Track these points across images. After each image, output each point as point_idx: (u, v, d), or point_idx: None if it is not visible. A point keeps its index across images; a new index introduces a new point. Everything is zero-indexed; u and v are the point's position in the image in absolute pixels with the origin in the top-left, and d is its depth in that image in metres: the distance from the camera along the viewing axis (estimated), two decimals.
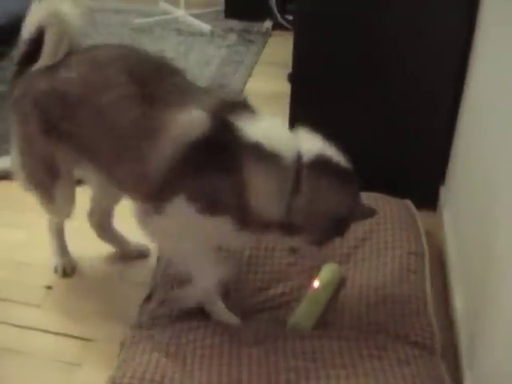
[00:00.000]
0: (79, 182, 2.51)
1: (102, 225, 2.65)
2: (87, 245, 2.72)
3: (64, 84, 2.17)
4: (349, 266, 2.45)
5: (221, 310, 2.24)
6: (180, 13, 5.14)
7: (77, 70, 2.17)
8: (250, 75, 4.37)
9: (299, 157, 1.99)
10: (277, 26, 5.06)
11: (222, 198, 1.99)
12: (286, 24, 4.99)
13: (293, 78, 2.96)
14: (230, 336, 2.09)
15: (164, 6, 5.29)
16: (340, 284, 2.35)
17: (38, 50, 2.22)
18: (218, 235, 2.09)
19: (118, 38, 4.78)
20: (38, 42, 2.22)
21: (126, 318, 2.37)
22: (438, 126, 2.84)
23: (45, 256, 2.68)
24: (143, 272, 2.61)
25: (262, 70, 4.48)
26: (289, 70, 2.94)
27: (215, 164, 1.97)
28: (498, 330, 1.78)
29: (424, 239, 2.56)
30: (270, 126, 2.05)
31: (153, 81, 2.09)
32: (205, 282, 2.17)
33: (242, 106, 2.07)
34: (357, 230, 2.46)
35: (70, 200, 2.44)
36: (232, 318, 2.22)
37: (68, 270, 2.63)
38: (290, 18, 4.92)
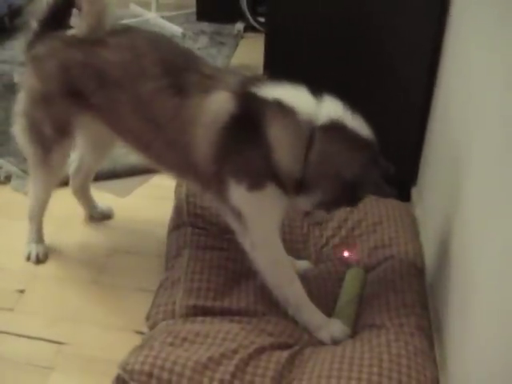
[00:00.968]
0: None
1: (83, 184, 2.86)
2: (60, 248, 2.72)
3: (104, 63, 2.28)
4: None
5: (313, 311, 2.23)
6: (151, 15, 5.14)
7: (117, 54, 2.28)
8: None
9: (316, 117, 2.07)
10: (248, 28, 5.07)
11: (260, 167, 2.09)
12: (257, 26, 5.00)
13: None
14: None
15: (135, 8, 5.28)
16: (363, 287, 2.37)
17: (64, 15, 2.46)
18: (274, 209, 2.17)
19: None
20: (66, 6, 2.45)
21: (99, 321, 2.37)
22: (409, 128, 2.86)
23: (17, 260, 2.67)
24: (116, 275, 2.60)
25: None
26: (260, 72, 2.94)
27: (246, 137, 2.08)
28: (468, 331, 1.79)
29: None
30: (290, 89, 2.14)
31: (182, 70, 2.20)
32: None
33: (262, 79, 2.21)
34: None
35: (65, 160, 2.61)
36: (324, 318, 2.21)
37: (42, 256, 2.70)
38: (262, 20, 4.94)
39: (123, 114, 2.30)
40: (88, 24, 2.33)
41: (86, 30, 2.34)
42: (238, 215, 2.16)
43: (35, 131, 2.48)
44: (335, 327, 2.16)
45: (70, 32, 2.38)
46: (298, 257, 2.48)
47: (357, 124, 2.13)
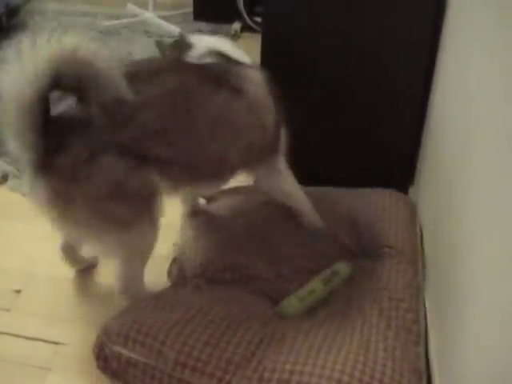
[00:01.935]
0: None
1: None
2: (56, 249, 2.72)
3: None
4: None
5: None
6: (148, 15, 5.14)
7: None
8: None
9: None
10: (245, 28, 5.07)
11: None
12: (254, 26, 5.00)
13: None
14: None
15: (132, 8, 5.28)
16: (344, 281, 2.38)
17: None
18: None
19: None
20: None
21: (96, 321, 2.37)
22: (407, 127, 2.86)
23: (13, 260, 2.67)
24: (113, 275, 2.60)
25: None
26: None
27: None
28: (466, 327, 1.79)
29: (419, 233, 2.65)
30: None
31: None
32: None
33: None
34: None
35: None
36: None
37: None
38: (259, 19, 4.94)
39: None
40: None
41: None
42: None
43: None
44: None
45: None
46: None
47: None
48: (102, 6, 5.46)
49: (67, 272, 2.63)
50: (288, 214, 2.60)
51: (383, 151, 2.93)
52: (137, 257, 2.28)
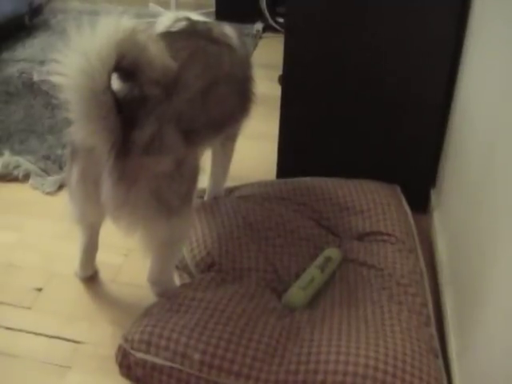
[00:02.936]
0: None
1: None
2: (78, 247, 2.73)
3: None
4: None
5: None
6: None
7: None
8: None
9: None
10: (267, 28, 5.07)
11: None
12: (276, 26, 5.00)
13: (283, 81, 2.96)
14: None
15: (154, 7, 5.29)
16: (338, 266, 2.44)
17: None
18: None
19: None
20: None
21: (117, 320, 2.37)
22: (429, 130, 2.85)
23: (35, 258, 2.68)
24: (134, 275, 2.60)
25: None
26: (279, 72, 2.94)
27: None
28: (487, 330, 1.78)
29: (412, 221, 2.71)
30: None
31: None
32: None
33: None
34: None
35: None
36: None
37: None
38: (281, 20, 4.93)
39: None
40: None
41: None
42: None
43: None
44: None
45: None
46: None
47: None
48: (125, 5, 5.47)
49: None
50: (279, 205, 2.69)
51: (405, 153, 2.92)
52: (177, 246, 2.29)
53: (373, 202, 2.71)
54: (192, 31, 2.43)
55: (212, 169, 2.81)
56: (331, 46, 2.76)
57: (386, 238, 2.55)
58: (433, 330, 2.17)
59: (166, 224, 2.13)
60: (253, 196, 2.75)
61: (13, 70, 4.27)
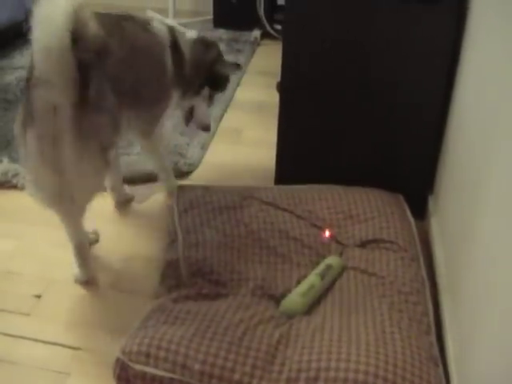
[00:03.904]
0: None
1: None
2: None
3: None
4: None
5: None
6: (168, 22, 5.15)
7: None
8: (238, 84, 4.36)
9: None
10: (265, 35, 5.08)
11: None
12: (274, 33, 5.01)
13: (281, 88, 2.97)
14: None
15: (152, 15, 5.29)
16: (338, 274, 2.44)
17: None
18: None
19: None
20: None
21: (116, 326, 2.38)
22: (426, 137, 2.85)
23: (34, 265, 2.69)
24: (133, 281, 2.61)
25: (251, 79, 4.49)
26: (277, 79, 2.95)
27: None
28: (485, 335, 1.79)
29: (415, 230, 2.70)
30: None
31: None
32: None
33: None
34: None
35: None
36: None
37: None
38: (279, 27, 4.95)
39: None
40: None
41: None
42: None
43: None
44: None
45: None
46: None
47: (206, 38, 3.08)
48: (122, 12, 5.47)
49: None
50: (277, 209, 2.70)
51: (402, 160, 2.93)
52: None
53: (377, 210, 2.71)
54: (128, 16, 2.77)
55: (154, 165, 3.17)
56: (329, 52, 2.77)
57: (388, 245, 2.55)
58: (433, 338, 2.17)
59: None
60: (257, 202, 2.75)
61: (11, 77, 4.28)
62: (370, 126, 2.88)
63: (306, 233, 2.60)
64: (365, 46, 2.73)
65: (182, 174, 3.32)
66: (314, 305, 2.30)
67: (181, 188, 2.82)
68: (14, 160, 3.31)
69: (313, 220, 2.67)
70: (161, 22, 2.90)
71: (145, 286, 2.57)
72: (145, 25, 2.81)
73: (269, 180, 3.04)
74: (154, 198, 3.16)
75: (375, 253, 2.52)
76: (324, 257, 2.49)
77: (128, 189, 3.15)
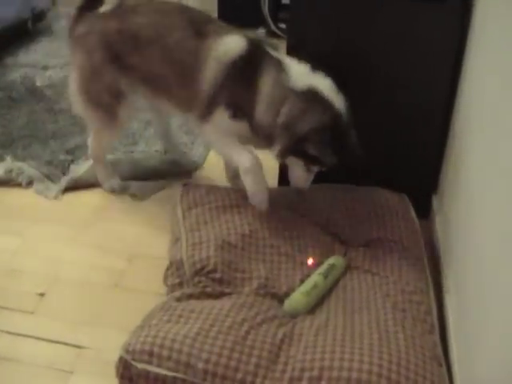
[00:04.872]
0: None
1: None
2: (81, 252, 2.74)
3: (136, 27, 2.73)
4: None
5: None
6: None
7: (148, 17, 2.74)
8: None
9: (299, 83, 2.51)
10: (270, 34, 5.07)
11: (244, 105, 2.59)
12: (278, 32, 5.00)
13: None
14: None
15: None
16: (342, 274, 2.44)
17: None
18: (244, 137, 2.66)
19: None
20: None
21: (119, 325, 2.38)
22: (430, 136, 2.85)
23: (38, 263, 2.69)
24: (137, 279, 2.61)
25: None
26: None
27: (244, 78, 2.58)
28: (489, 334, 1.78)
29: (419, 230, 2.70)
30: (290, 59, 2.61)
31: (205, 24, 2.72)
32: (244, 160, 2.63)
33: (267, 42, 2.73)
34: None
35: (129, 119, 3.08)
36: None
37: (118, 188, 3.16)
38: (283, 25, 4.94)
39: (152, 64, 2.73)
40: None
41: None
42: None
43: (96, 102, 2.88)
44: None
45: (102, 9, 2.82)
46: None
47: (333, 98, 2.52)
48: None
49: (91, 275, 2.64)
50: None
51: (407, 159, 2.92)
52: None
53: (381, 209, 2.71)
54: (184, 8, 2.84)
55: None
56: (333, 52, 2.76)
57: (392, 244, 2.55)
58: (437, 337, 2.17)
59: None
60: None
61: (16, 75, 4.28)
62: (374, 125, 2.87)
63: (309, 232, 2.59)
64: (369, 46, 2.73)
65: (186, 172, 3.32)
66: (317, 304, 2.30)
67: (184, 187, 2.79)
68: (18, 158, 3.32)
69: (316, 219, 2.67)
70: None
71: (148, 284, 2.57)
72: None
73: (273, 180, 3.04)
74: (158, 195, 3.16)
75: (379, 252, 2.52)
76: (327, 256, 2.48)
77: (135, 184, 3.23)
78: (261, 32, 5.04)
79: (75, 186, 3.16)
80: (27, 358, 2.27)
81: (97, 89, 2.85)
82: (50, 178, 3.20)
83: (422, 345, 2.06)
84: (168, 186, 3.19)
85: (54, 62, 4.47)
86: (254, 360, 1.96)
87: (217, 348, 1.97)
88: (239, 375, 1.92)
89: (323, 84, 2.51)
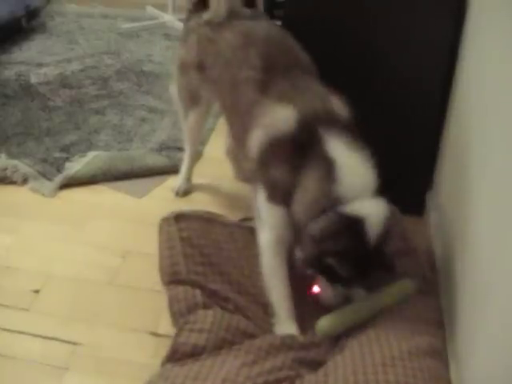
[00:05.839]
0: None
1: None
2: (76, 248, 2.74)
3: (222, 42, 2.60)
4: None
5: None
6: (168, 18, 5.15)
7: (234, 36, 2.57)
8: None
9: (347, 202, 2.10)
10: None
11: (283, 190, 2.20)
12: None
13: None
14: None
15: (151, 10, 5.30)
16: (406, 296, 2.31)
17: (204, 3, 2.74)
18: (280, 223, 2.27)
19: (106, 42, 4.79)
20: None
21: (113, 322, 2.38)
22: (425, 133, 2.85)
23: (32, 260, 2.69)
24: (132, 276, 2.61)
25: None
26: None
27: (287, 161, 2.18)
28: (483, 332, 1.79)
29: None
30: (349, 156, 2.21)
31: (277, 72, 2.39)
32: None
33: (337, 120, 2.32)
34: None
35: (199, 127, 3.05)
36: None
37: (182, 192, 3.15)
38: (279, 23, 4.93)
39: (223, 90, 2.60)
40: (213, 9, 2.68)
41: (211, 14, 2.69)
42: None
43: (181, 94, 2.93)
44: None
45: (205, 15, 2.73)
46: None
47: (374, 232, 2.09)
48: (122, 8, 5.47)
49: (85, 272, 2.64)
50: None
51: (401, 156, 2.92)
52: None
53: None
54: (269, 39, 2.56)
55: None
56: (329, 49, 2.76)
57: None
58: (438, 338, 2.16)
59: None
60: None
61: (10, 72, 4.28)
62: (369, 121, 2.87)
63: None
64: (366, 43, 2.73)
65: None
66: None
67: (179, 216, 2.60)
68: (12, 155, 3.31)
69: None
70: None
71: (142, 281, 2.57)
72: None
73: None
74: (153, 193, 3.16)
75: None
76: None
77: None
78: None
79: (70, 184, 3.16)
80: (22, 355, 2.27)
81: (183, 82, 2.89)
82: (44, 175, 3.20)
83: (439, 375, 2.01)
84: (163, 184, 3.20)
85: (49, 60, 4.47)
86: None
87: None
88: None
89: (373, 215, 2.12)
